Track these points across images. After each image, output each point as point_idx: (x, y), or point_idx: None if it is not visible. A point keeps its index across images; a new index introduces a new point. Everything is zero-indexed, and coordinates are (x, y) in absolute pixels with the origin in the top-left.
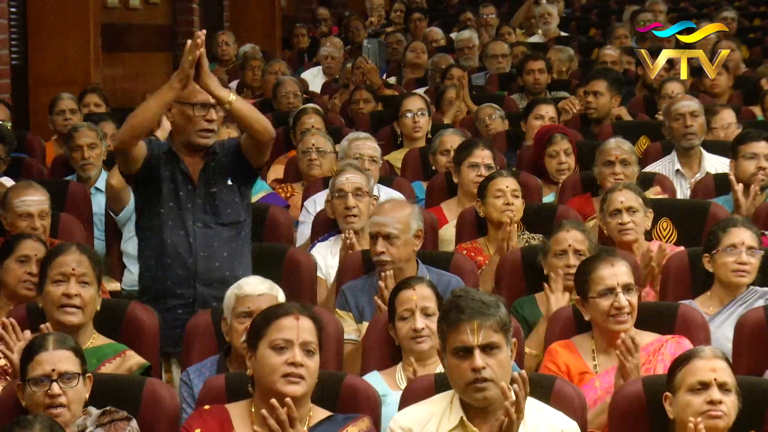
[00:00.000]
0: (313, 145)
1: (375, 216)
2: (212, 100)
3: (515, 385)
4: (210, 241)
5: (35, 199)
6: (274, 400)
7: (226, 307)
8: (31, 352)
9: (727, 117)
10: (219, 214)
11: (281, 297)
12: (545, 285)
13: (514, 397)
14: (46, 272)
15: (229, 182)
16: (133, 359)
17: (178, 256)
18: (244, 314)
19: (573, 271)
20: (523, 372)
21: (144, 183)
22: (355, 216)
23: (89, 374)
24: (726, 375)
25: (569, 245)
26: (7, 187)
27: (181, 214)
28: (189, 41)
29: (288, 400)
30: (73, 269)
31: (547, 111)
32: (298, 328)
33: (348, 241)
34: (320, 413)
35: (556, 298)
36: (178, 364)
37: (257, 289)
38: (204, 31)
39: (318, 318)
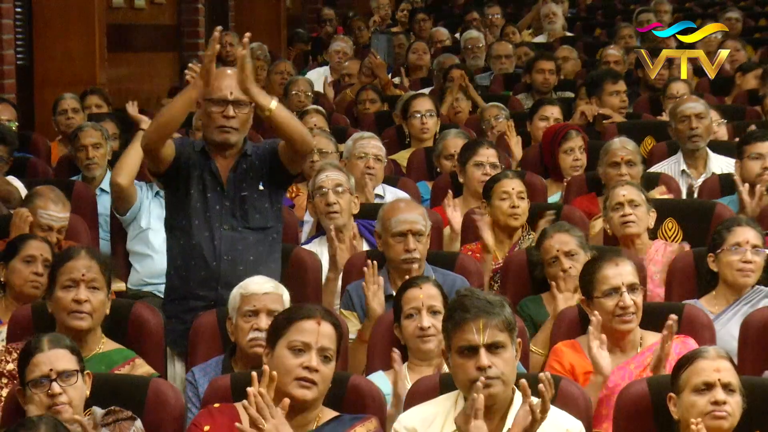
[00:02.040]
0: (314, 146)
1: (399, 214)
2: (231, 97)
3: (541, 385)
4: (235, 244)
5: (61, 216)
6: (254, 374)
7: (231, 307)
8: (27, 355)
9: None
10: (247, 218)
11: (286, 296)
12: (552, 285)
13: (531, 398)
14: (56, 277)
15: (261, 187)
16: (142, 368)
17: (202, 258)
18: (249, 313)
19: (572, 272)
20: (548, 373)
21: (173, 182)
22: (336, 212)
23: (88, 371)
24: (730, 375)
25: (557, 250)
26: (35, 190)
27: (209, 216)
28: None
29: (286, 401)
30: (83, 275)
31: (552, 112)
32: (319, 333)
33: (331, 233)
34: (328, 413)
35: (565, 298)
36: None
37: (262, 287)
38: (220, 27)
39: (339, 325)
